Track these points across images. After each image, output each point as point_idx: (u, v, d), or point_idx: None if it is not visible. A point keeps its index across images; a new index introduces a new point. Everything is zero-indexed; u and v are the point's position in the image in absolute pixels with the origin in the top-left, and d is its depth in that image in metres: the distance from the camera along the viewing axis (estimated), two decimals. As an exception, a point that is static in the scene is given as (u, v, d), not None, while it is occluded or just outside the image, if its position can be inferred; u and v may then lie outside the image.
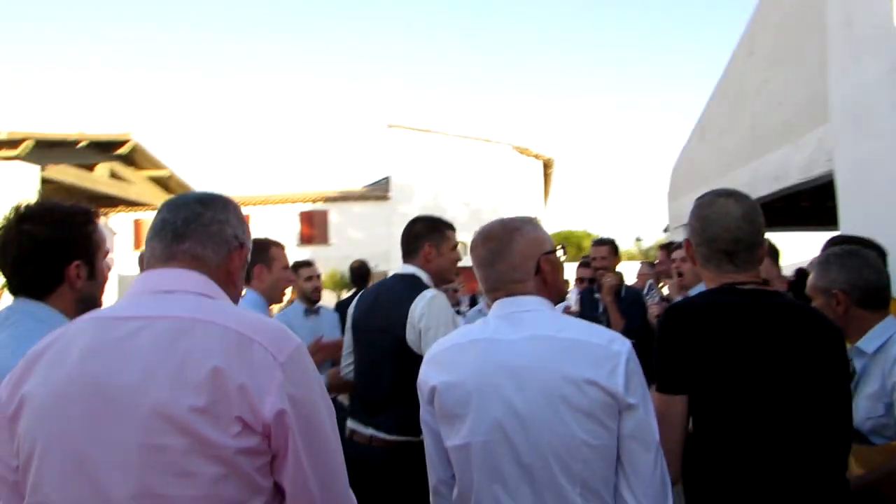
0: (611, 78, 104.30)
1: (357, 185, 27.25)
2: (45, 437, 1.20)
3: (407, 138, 24.32)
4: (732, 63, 6.62)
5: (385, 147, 24.69)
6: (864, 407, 2.18)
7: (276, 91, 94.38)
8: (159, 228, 1.41)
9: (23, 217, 1.75)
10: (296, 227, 25.24)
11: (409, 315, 2.63)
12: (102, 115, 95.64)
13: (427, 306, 2.62)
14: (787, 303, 1.87)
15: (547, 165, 24.59)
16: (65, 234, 1.76)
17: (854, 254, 2.29)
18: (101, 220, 1.89)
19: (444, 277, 2.96)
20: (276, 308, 6.65)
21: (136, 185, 15.02)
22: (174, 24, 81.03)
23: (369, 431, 2.73)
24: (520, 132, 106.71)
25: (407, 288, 2.75)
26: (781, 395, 1.71)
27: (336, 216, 25.09)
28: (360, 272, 6.75)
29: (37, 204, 1.81)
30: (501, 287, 1.76)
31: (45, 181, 12.35)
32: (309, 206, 25.22)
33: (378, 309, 2.84)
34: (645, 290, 3.70)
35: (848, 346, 2.41)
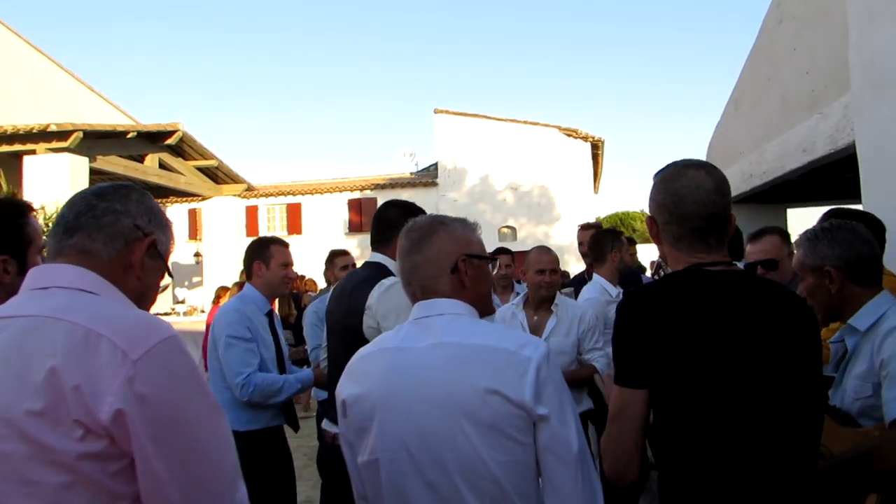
0: (660, 51, 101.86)
1: (405, 171, 27.32)
2: None
3: (454, 123, 24.19)
4: (763, 32, 6.35)
5: (432, 132, 24.70)
6: (853, 387, 2.04)
7: (323, 78, 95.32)
8: (55, 224, 1.37)
9: None
10: (345, 214, 25.48)
11: (367, 305, 2.48)
12: (152, 106, 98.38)
13: (382, 296, 2.44)
14: (758, 283, 1.66)
15: (596, 146, 24.12)
16: None
17: (843, 227, 2.12)
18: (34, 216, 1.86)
19: None
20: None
21: (185, 175, 15.39)
22: (223, 12, 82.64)
23: (334, 430, 2.65)
24: (568, 114, 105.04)
25: (368, 277, 2.58)
26: (751, 384, 1.53)
27: (384, 203, 25.21)
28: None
29: None
30: (414, 281, 1.66)
31: (94, 172, 12.78)
32: (357, 194, 25.42)
33: (342, 300, 2.71)
34: (653, 271, 3.55)
35: (835, 325, 2.27)
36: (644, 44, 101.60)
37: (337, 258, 4.95)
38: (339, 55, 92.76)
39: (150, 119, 18.13)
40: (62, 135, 11.43)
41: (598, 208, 30.30)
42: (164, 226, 1.45)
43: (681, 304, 1.58)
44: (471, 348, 1.50)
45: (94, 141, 12.33)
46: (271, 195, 25.61)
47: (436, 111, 24.46)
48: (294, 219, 25.79)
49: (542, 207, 23.37)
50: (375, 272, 2.62)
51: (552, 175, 23.29)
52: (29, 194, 11.21)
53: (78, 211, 1.36)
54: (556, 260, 3.83)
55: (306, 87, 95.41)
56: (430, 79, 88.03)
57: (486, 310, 1.73)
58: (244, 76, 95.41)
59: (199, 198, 17.00)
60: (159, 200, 17.96)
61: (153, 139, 13.97)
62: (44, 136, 11.45)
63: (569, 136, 23.42)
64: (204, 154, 15.33)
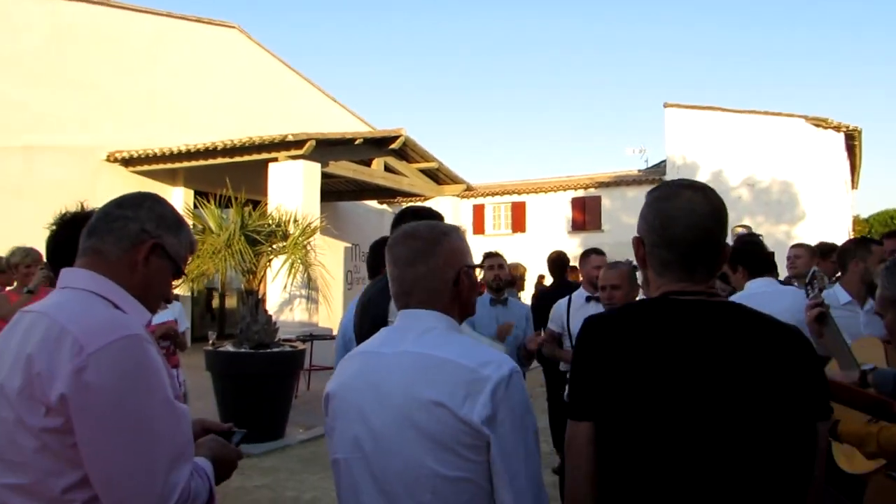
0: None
1: (633, 168, 26.45)
2: None
3: (685, 118, 22.94)
4: None
5: (662, 128, 23.62)
6: None
7: (549, 74, 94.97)
8: (85, 228, 1.61)
9: None
10: (568, 213, 25.34)
11: (389, 318, 2.39)
12: (383, 111, 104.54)
13: None
14: (742, 315, 1.48)
15: (851, 137, 21.40)
16: None
17: None
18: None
19: None
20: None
21: (409, 177, 16.33)
22: (443, 13, 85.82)
23: None
24: (816, 102, 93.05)
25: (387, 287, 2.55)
26: (712, 426, 1.36)
27: (609, 201, 24.67)
28: (556, 263, 6.58)
29: None
30: (415, 292, 1.64)
31: (327, 176, 14.07)
32: (581, 193, 25.15)
33: (367, 310, 2.71)
34: (807, 279, 3.04)
35: None
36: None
37: (486, 260, 4.91)
38: (564, 50, 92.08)
39: (382, 124, 19.54)
40: (298, 143, 12.72)
41: (858, 205, 26.91)
42: (176, 230, 1.63)
43: (640, 334, 1.46)
44: (433, 360, 1.50)
45: (327, 148, 13.55)
46: (497, 194, 26.30)
47: (665, 105, 23.39)
48: (518, 217, 26.21)
49: (782, 205, 21.30)
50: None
51: (796, 169, 21.13)
52: (272, 196, 12.69)
53: (98, 217, 1.59)
54: (616, 276, 3.67)
55: (532, 85, 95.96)
56: (660, 71, 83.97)
57: (468, 314, 1.72)
58: (469, 79, 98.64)
59: (422, 198, 17.95)
60: (387, 201, 19.39)
61: (379, 144, 15.00)
62: (284, 145, 12.84)
63: (817, 126, 21.05)
64: (425, 157, 16.14)
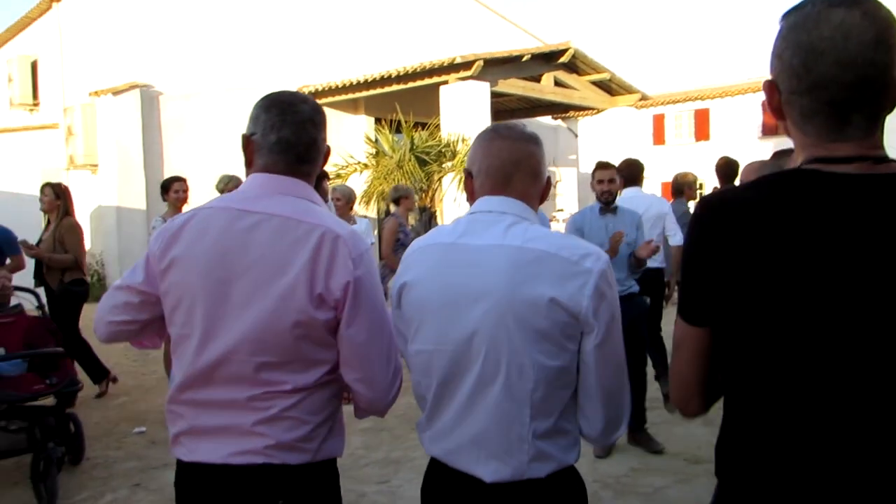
0: None
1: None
2: (190, 291, 1.63)
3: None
4: None
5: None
6: None
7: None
8: (283, 148, 1.71)
9: None
10: (758, 117, 23.59)
11: None
12: (546, 23, 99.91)
13: None
14: None
15: None
16: None
17: None
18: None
19: None
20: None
21: (580, 90, 16.08)
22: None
23: None
24: None
25: None
26: (874, 347, 1.06)
27: (806, 101, 22.57)
28: (724, 170, 6.36)
29: None
30: (520, 170, 1.61)
31: (497, 95, 14.26)
32: (773, 93, 23.22)
33: None
34: None
35: None
36: None
37: (596, 171, 4.95)
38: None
39: (551, 37, 19.11)
40: (467, 65, 12.94)
41: None
42: (324, 117, 1.81)
43: (774, 220, 1.11)
44: (531, 253, 1.48)
45: (495, 67, 13.66)
46: (678, 101, 25.01)
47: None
48: (702, 125, 24.85)
49: None
50: None
51: None
52: (444, 119, 13.19)
53: (302, 149, 1.72)
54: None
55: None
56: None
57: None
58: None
59: (595, 111, 17.62)
60: (560, 116, 19.23)
61: (547, 59, 14.85)
62: (453, 67, 13.13)
63: None
64: (596, 68, 15.74)
